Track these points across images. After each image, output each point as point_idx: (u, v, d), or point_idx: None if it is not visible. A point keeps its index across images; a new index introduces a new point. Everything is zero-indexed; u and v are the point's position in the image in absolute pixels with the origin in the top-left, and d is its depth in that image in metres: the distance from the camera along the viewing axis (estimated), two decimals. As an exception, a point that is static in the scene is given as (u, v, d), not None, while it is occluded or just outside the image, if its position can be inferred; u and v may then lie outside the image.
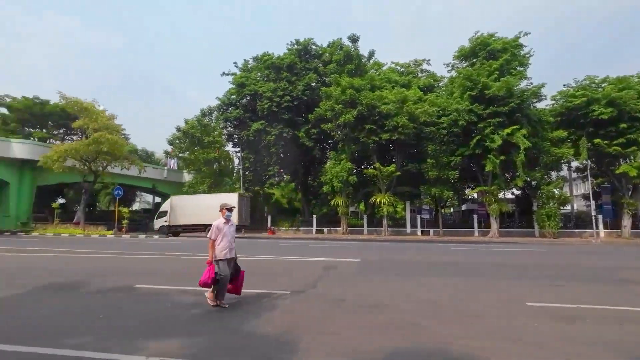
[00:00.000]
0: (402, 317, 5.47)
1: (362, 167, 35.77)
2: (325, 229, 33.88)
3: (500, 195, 29.89)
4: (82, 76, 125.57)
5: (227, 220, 6.17)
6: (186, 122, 34.64)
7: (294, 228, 35.71)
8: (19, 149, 31.18)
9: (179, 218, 27.75)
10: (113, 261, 11.97)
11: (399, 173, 29.66)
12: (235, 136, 39.30)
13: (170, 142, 36.88)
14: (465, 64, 31.71)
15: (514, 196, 37.98)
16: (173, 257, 13.36)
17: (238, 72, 38.94)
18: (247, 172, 38.79)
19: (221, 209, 6.24)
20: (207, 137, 34.04)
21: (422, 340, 4.49)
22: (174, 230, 28.30)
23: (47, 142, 38.74)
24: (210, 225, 6.27)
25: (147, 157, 51.25)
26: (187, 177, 40.64)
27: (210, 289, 6.01)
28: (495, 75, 26.76)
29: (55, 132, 45.94)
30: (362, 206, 40.84)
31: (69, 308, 6.04)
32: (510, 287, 7.92)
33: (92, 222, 33.43)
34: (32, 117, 42.66)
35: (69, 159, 28.11)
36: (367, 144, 29.42)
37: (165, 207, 29.13)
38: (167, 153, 43.46)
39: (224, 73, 39.09)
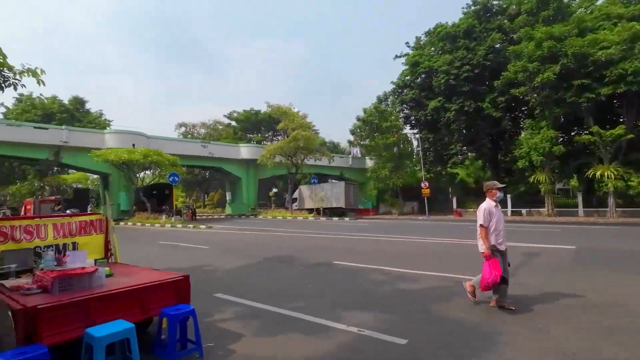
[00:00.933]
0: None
1: (572, 134, 29.07)
2: (523, 210, 29.44)
3: None
4: (281, 85, 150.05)
5: (497, 203, 5.05)
6: (365, 111, 36.50)
7: (483, 209, 32.50)
8: (245, 151, 40.25)
9: (305, 203, 34.92)
10: (314, 240, 13.94)
11: (631, 136, 22.58)
12: (412, 118, 38.75)
13: (353, 132, 39.69)
14: None
15: None
16: (363, 238, 14.44)
17: (410, 52, 38.08)
18: (427, 153, 37.75)
19: (488, 189, 5.10)
20: (385, 122, 34.89)
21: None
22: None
23: (262, 143, 48.38)
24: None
25: (334, 148, 56.96)
26: (369, 163, 42.97)
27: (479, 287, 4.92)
28: None
29: (267, 135, 56.98)
30: (573, 182, 33.35)
31: (286, 277, 7.41)
32: None
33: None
34: (251, 125, 54.39)
35: (277, 156, 34.29)
36: (577, 104, 23.57)
37: (296, 194, 36.36)
38: (350, 142, 47.11)
39: (396, 56, 39.02)
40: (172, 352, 3.40)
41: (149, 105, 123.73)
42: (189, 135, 52.70)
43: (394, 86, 39.22)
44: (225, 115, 56.84)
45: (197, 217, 33.06)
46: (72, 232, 4.98)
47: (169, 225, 23.59)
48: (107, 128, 41.05)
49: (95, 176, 41.73)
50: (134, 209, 31.18)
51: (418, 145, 36.68)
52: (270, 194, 42.94)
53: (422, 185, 31.21)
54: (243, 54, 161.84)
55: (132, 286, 3.56)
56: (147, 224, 24.84)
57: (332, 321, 4.54)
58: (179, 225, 22.95)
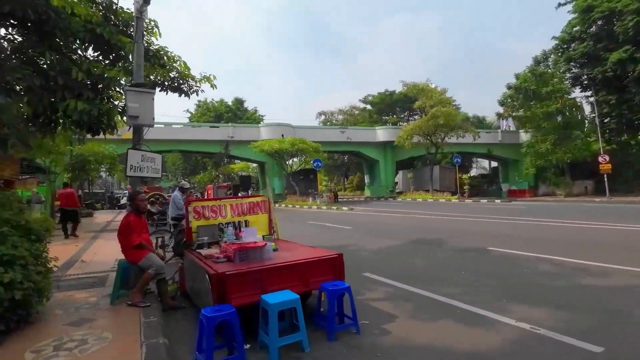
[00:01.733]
0: None
1: None
2: None
3: None
4: (415, 62, 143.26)
5: None
6: (517, 77, 31.48)
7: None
8: (381, 133, 40.17)
9: (402, 186, 39.49)
10: (461, 223, 12.91)
11: None
12: (584, 77, 31.53)
13: (502, 103, 34.87)
14: None
15: None
16: (520, 222, 12.64)
17: (580, -4, 30.75)
18: (606, 120, 30.32)
19: None
20: (545, 87, 29.34)
21: None
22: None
23: (398, 125, 47.40)
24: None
25: (478, 123, 51.43)
26: (524, 137, 37.20)
27: None
28: None
29: (402, 116, 55.51)
30: None
31: (436, 261, 7.04)
32: None
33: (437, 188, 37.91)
34: (386, 106, 53.82)
35: (415, 136, 33.01)
36: None
37: (397, 178, 40.91)
38: (499, 115, 41.55)
39: (559, 4, 32.16)
40: (331, 325, 3.59)
41: (292, 98, 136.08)
42: (328, 123, 55.70)
43: (556, 42, 32.62)
44: (360, 100, 57.81)
45: (339, 200, 34.91)
46: (244, 211, 5.79)
47: (315, 207, 25.60)
48: (261, 122, 46.90)
49: (254, 165, 48.52)
50: (285, 193, 35.03)
51: (592, 111, 29.74)
52: (409, 175, 41.88)
53: (600, 159, 25.35)
54: (374, 35, 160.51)
55: (296, 261, 3.90)
56: (297, 206, 27.56)
57: (495, 313, 4.06)
58: (324, 207, 24.65)
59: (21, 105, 5.26)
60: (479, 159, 59.46)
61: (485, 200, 26.41)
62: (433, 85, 34.57)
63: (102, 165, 20.06)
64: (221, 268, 3.65)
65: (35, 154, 8.47)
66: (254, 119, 52.37)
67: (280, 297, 3.36)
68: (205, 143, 34.70)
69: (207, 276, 3.64)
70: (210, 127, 37.06)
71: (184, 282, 5.20)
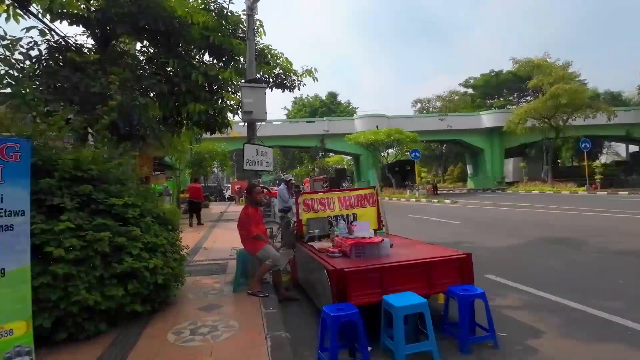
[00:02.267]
0: None
1: None
2: None
3: None
4: (525, 36, 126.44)
5: None
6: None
7: None
8: (487, 119, 36.51)
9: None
10: (600, 220, 10.78)
11: None
12: None
13: (647, 73, 28.47)
14: None
15: None
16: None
17: None
18: None
19: None
20: None
21: None
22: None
23: (505, 108, 42.51)
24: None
25: (611, 100, 43.06)
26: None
27: None
28: None
29: (510, 98, 49.59)
30: None
31: (578, 265, 5.88)
32: None
33: (557, 178, 32.91)
34: (490, 89, 48.65)
35: (529, 120, 29.06)
36: None
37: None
38: (642, 88, 34.09)
39: None
40: (464, 335, 3.13)
41: (385, 88, 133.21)
42: (424, 111, 52.90)
43: None
44: (460, 84, 53.23)
45: (438, 192, 32.92)
46: (352, 204, 5.60)
47: (413, 199, 24.49)
48: (355, 114, 46.85)
49: (348, 158, 48.83)
50: (380, 185, 34.45)
51: None
52: (522, 164, 37.31)
53: None
54: (473, 13, 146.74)
55: (420, 260, 3.53)
56: (393, 198, 26.78)
57: (690, 341, 3.09)
58: (423, 200, 23.41)
59: (155, 108, 5.91)
60: (612, 143, 50.02)
61: (627, 192, 21.91)
62: (551, 60, 29.92)
63: (215, 162, 22.32)
64: (339, 264, 3.48)
65: (166, 151, 9.62)
66: (347, 111, 52.62)
67: (406, 300, 3.04)
68: (302, 137, 36.04)
69: (325, 272, 3.51)
70: (307, 122, 38.41)
71: (296, 274, 5.25)
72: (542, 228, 9.76)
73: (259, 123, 5.79)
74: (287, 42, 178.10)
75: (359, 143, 31.18)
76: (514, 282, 5.04)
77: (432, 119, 37.75)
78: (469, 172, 42.68)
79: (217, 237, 9.88)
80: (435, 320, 3.60)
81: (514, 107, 39.61)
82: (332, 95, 56.43)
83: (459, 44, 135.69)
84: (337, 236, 4.43)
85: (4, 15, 4.91)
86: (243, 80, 6.37)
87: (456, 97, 52.04)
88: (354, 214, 5.54)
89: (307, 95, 54.19)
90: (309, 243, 4.75)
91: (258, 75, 8.37)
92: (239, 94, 6.30)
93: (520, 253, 6.99)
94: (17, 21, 4.83)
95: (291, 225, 8.06)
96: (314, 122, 38.08)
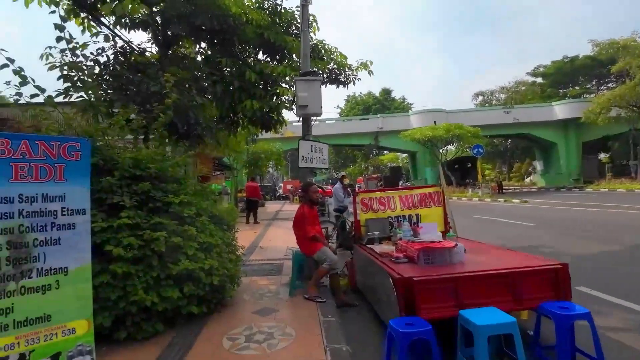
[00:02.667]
0: None
1: None
2: None
3: None
4: (602, 12, 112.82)
5: None
6: None
7: None
8: (560, 110, 33.11)
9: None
10: None
11: None
12: None
13: None
14: None
15: None
16: None
17: None
18: None
19: None
20: None
21: None
22: None
23: (582, 97, 38.24)
24: None
25: None
26: None
27: None
28: None
29: (587, 86, 44.54)
30: None
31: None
32: None
33: (650, 175, 28.78)
34: (563, 76, 44.03)
35: (614, 109, 25.74)
36: None
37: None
38: None
39: None
40: (565, 363, 2.58)
41: (442, 83, 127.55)
42: (487, 104, 49.52)
43: None
44: (528, 73, 48.89)
45: (504, 191, 30.53)
46: (415, 204, 5.13)
47: (476, 198, 22.89)
48: (410, 110, 45.28)
49: (403, 155, 47.28)
50: (438, 184, 32.78)
51: None
52: (604, 159, 33.28)
53: None
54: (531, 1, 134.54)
55: (505, 269, 3.01)
56: (453, 197, 25.26)
57: None
58: (488, 199, 21.76)
59: (211, 108, 5.94)
60: None
61: None
62: (640, 40, 26.20)
63: (270, 162, 22.73)
64: (406, 271, 3.08)
65: (224, 150, 9.83)
66: (402, 107, 51.00)
67: (490, 318, 2.55)
68: (356, 136, 35.52)
69: (389, 280, 3.13)
70: (360, 119, 37.78)
71: (354, 277, 4.92)
72: (639, 231, 8.39)
73: (314, 118, 5.53)
74: (338, 39, 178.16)
75: (415, 139, 29.94)
76: (613, 296, 4.25)
77: (495, 112, 35.14)
78: (538, 168, 39.11)
79: (273, 236, 9.88)
80: (523, 341, 3.06)
81: (592, 95, 35.48)
82: (386, 92, 55.10)
83: (524, 31, 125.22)
84: (401, 239, 4.02)
85: (80, 27, 5.25)
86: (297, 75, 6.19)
87: (523, 88, 48.02)
88: (417, 215, 5.07)
89: (360, 92, 53.55)
90: (369, 246, 4.40)
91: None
92: (294, 88, 6.12)
93: (616, 262, 5.98)
94: (92, 32, 5.10)
95: (347, 225, 7.78)
96: (367, 119, 37.35)
